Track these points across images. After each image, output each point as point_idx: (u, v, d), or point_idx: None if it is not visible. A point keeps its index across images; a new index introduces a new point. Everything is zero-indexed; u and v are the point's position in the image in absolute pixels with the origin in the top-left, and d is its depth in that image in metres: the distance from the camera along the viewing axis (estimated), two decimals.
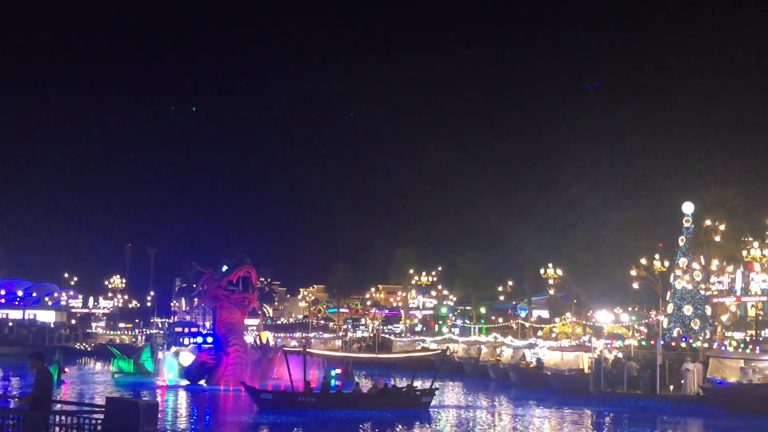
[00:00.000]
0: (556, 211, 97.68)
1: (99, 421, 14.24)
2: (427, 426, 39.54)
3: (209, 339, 60.42)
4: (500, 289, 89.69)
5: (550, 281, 74.52)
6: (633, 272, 60.81)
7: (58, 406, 17.82)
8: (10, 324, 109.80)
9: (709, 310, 53.57)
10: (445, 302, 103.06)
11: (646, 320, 60.72)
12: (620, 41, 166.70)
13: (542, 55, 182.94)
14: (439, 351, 51.88)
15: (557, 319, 74.91)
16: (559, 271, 73.22)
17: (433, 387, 44.60)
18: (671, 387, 45.03)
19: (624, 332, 59.11)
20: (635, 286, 62.92)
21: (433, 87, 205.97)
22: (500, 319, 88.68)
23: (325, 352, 49.05)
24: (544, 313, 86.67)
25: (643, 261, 58.61)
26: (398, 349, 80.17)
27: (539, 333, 72.11)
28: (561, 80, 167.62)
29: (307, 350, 44.26)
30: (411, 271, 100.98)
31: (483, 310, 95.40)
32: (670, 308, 51.96)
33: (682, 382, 44.67)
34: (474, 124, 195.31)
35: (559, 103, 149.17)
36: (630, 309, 66.42)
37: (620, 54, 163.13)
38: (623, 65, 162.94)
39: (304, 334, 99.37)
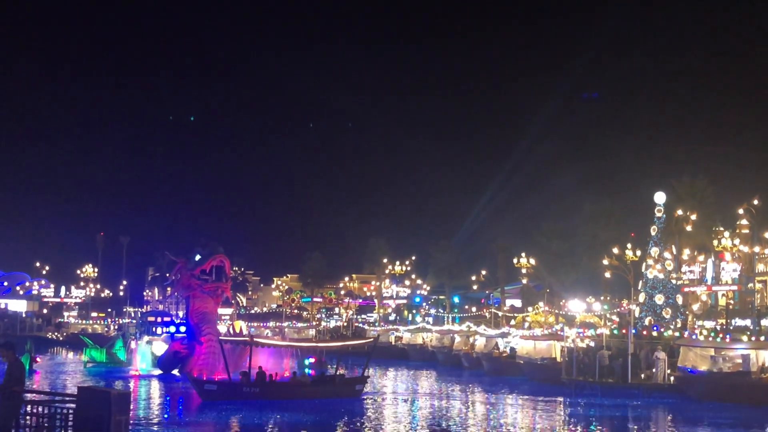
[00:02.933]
0: (528, 201, 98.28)
1: (71, 411, 14.17)
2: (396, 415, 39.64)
3: (182, 328, 60.22)
4: (473, 278, 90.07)
5: (523, 270, 74.79)
6: (605, 261, 61.17)
7: (30, 395, 17.70)
8: None
9: (680, 299, 54.05)
10: (418, 291, 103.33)
11: (618, 309, 61.07)
12: (594, 31, 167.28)
13: (517, 47, 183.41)
14: (372, 339, 52.88)
15: (530, 308, 75.28)
16: (532, 261, 73.52)
17: (364, 375, 45.32)
18: (642, 376, 45.39)
19: (596, 321, 59.39)
20: (607, 275, 63.31)
21: (408, 77, 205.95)
22: (473, 309, 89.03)
23: (272, 341, 48.90)
24: (517, 303, 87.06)
25: (615, 250, 58.98)
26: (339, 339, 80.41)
27: (512, 322, 72.44)
28: (536, 73, 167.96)
29: (254, 340, 44.26)
30: (384, 261, 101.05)
31: (456, 299, 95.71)
32: (641, 297, 52.33)
33: (654, 370, 45.04)
34: (448, 115, 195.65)
35: (532, 95, 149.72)
36: (602, 298, 66.80)
37: (594, 45, 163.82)
38: (598, 57, 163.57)
39: (277, 324, 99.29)
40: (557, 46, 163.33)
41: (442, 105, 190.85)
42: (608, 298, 67.81)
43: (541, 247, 76.51)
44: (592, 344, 49.69)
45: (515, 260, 74.54)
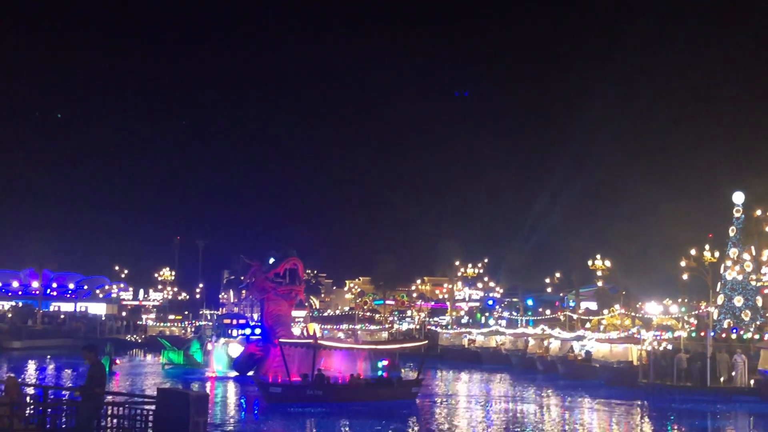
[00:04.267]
0: (603, 201, 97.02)
1: (150, 412, 14.44)
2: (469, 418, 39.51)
3: (257, 331, 60.85)
4: (547, 280, 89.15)
5: (598, 272, 73.90)
6: (682, 263, 60.02)
7: (111, 397, 18.08)
8: (62, 316, 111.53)
9: (760, 301, 52.80)
10: (491, 294, 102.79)
11: (696, 311, 59.99)
12: (679, 28, 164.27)
13: (589, 48, 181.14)
14: (425, 343, 53.38)
15: (605, 311, 74.29)
16: (607, 263, 72.56)
17: (419, 377, 45.47)
18: (722, 379, 44.51)
19: (673, 324, 58.51)
20: (684, 277, 62.15)
21: (474, 79, 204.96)
22: (547, 311, 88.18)
23: (335, 344, 49.27)
24: (592, 305, 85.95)
25: (693, 251, 57.85)
26: (393, 341, 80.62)
27: (587, 325, 71.58)
28: (610, 74, 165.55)
29: (318, 342, 44.59)
30: (457, 263, 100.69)
31: (530, 302, 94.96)
32: (720, 299, 51.32)
33: (733, 374, 44.12)
34: (521, 117, 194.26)
35: (606, 95, 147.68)
36: (679, 300, 65.68)
37: (673, 48, 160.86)
38: (670, 58, 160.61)
39: (350, 326, 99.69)
40: (638, 51, 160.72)
41: (512, 106, 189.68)
42: (686, 300, 66.63)
43: (617, 249, 75.50)
44: (669, 347, 48.86)
45: (590, 262, 73.64)
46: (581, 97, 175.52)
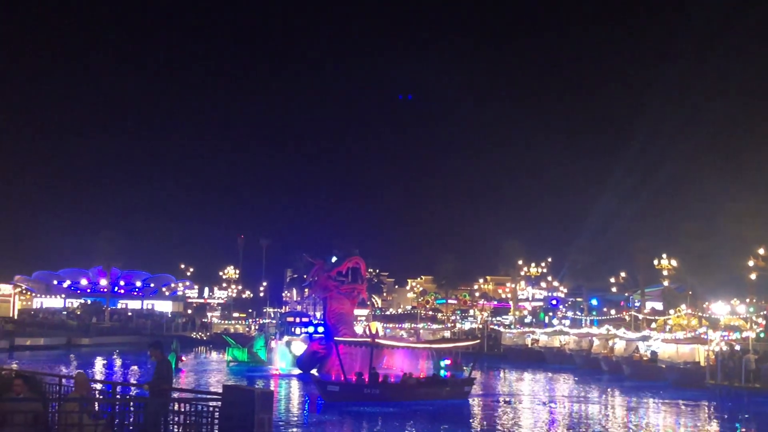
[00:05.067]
0: (669, 199, 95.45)
1: (216, 409, 14.59)
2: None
3: (320, 329, 61.22)
4: (612, 280, 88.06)
5: (664, 272, 72.84)
6: (750, 262, 58.93)
7: (177, 393, 18.33)
8: (130, 314, 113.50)
9: None
10: (554, 293, 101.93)
11: (765, 312, 58.80)
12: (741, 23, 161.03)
13: (656, 38, 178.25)
14: (476, 342, 54.34)
15: (671, 311, 73.20)
16: (674, 262, 71.48)
17: (471, 377, 45.38)
18: None
19: (741, 324, 57.38)
20: (753, 276, 61.01)
21: (537, 76, 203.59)
22: (612, 311, 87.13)
23: (391, 342, 49.35)
24: (658, 305, 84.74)
25: (761, 251, 56.71)
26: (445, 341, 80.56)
27: (653, 325, 70.61)
28: (675, 64, 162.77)
29: (376, 341, 44.66)
30: (520, 262, 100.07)
31: (594, 301, 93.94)
32: None
33: None
34: (584, 113, 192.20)
35: (671, 88, 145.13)
36: (747, 300, 64.43)
37: (732, 39, 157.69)
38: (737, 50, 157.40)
39: (412, 325, 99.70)
40: (698, 38, 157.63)
41: (577, 100, 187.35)
42: (754, 300, 65.32)
43: (683, 248, 74.29)
44: (737, 348, 48.01)
45: (656, 261, 72.64)
46: (646, 94, 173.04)
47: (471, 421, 38.18)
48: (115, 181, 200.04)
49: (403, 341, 55.57)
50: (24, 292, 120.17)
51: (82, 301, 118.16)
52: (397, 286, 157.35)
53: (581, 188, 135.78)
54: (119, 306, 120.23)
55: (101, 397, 18.00)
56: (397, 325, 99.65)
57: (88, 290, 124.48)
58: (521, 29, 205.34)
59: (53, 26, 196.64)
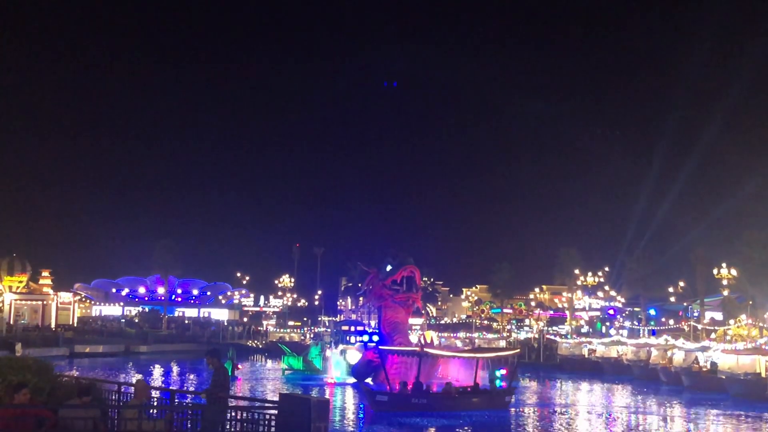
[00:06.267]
0: (729, 207, 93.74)
1: (272, 417, 14.62)
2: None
3: (375, 338, 61.18)
4: (670, 290, 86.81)
5: (724, 282, 71.62)
6: None
7: (234, 401, 18.43)
8: (186, 321, 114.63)
9: None
10: (612, 303, 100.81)
11: None
12: None
13: (707, 29, 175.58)
14: (517, 351, 53.18)
15: (732, 321, 71.94)
16: (734, 271, 70.25)
17: (512, 386, 45.38)
18: None
19: None
20: None
21: (593, 78, 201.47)
22: (671, 321, 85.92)
23: (439, 351, 49.15)
24: (718, 315, 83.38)
25: None
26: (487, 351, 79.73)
27: (712, 335, 69.46)
28: (723, 59, 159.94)
29: (425, 350, 44.51)
30: (576, 271, 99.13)
31: (652, 311, 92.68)
32: None
33: None
34: (643, 121, 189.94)
35: (723, 82, 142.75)
36: None
37: None
38: None
39: (467, 334, 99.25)
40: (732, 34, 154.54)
41: (625, 111, 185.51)
42: None
43: (743, 257, 72.96)
44: None
45: (715, 271, 71.48)
46: (697, 81, 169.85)
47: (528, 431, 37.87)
48: (174, 191, 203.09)
49: (452, 350, 55.30)
50: (83, 300, 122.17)
51: (140, 309, 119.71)
52: (451, 295, 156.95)
53: (640, 196, 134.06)
54: (176, 314, 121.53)
55: (159, 404, 18.15)
56: (452, 335, 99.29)
57: (146, 298, 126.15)
58: (574, 27, 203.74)
59: (123, 39, 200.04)
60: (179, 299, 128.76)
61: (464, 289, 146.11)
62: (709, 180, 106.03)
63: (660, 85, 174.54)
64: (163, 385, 49.75)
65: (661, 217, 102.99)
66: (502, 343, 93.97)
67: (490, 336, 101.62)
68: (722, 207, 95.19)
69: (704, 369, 58.18)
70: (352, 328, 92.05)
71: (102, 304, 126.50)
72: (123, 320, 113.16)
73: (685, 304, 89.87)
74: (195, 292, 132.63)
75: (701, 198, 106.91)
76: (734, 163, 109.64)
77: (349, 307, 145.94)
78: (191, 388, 47.23)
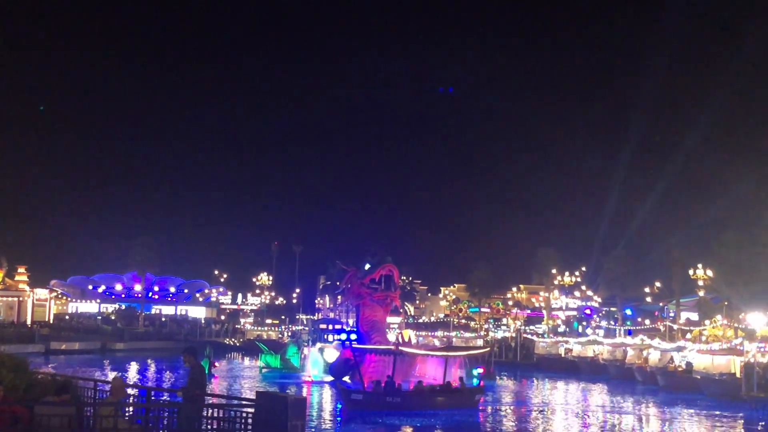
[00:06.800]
0: (705, 209, 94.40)
1: (249, 415, 14.65)
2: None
3: (353, 336, 61.19)
4: (647, 290, 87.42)
5: (700, 282, 72.18)
6: None
7: (210, 399, 18.40)
8: (163, 319, 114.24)
9: None
10: (589, 303, 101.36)
11: None
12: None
13: (681, 37, 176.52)
14: (487, 350, 55.16)
15: (707, 322, 72.49)
16: (710, 272, 70.79)
17: (481, 385, 46.07)
18: None
19: None
20: None
21: (568, 79, 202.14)
22: (647, 321, 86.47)
23: (414, 350, 49.38)
24: (693, 316, 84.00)
25: None
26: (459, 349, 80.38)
27: (688, 335, 69.97)
28: (706, 64, 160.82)
29: (400, 349, 44.79)
30: (554, 271, 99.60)
31: (629, 311, 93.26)
32: None
33: None
34: (615, 119, 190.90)
35: (703, 87, 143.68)
36: None
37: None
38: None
39: (445, 333, 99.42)
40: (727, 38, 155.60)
41: (609, 112, 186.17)
42: None
43: (719, 258, 73.47)
44: None
45: (691, 271, 72.01)
46: (675, 86, 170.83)
47: (504, 430, 38.04)
48: (151, 188, 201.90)
49: (427, 349, 55.34)
50: (60, 296, 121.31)
51: (117, 306, 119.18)
52: (430, 294, 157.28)
53: (617, 197, 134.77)
54: (153, 311, 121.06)
55: (135, 402, 18.12)
56: (429, 333, 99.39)
57: (123, 295, 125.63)
58: (557, 30, 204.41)
59: (93, 33, 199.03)
60: (156, 296, 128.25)
61: (442, 288, 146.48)
62: (686, 182, 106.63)
63: (640, 86, 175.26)
64: (139, 383, 49.61)
65: (638, 218, 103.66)
66: (480, 342, 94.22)
67: (468, 335, 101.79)
68: (699, 208, 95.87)
69: (679, 369, 58.59)
70: (330, 327, 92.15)
71: (78, 301, 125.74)
72: (99, 317, 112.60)
73: (661, 304, 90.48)
74: (172, 289, 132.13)
75: (678, 199, 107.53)
76: (712, 166, 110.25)
77: (328, 306, 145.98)
78: (168, 386, 47.08)
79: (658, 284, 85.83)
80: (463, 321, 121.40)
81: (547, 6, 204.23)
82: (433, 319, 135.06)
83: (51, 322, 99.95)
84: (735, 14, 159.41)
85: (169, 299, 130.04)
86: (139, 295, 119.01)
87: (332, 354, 60.57)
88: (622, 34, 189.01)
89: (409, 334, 67.94)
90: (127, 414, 16.06)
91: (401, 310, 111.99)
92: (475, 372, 48.89)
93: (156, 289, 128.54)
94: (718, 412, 43.56)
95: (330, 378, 56.46)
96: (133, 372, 64.67)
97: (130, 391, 18.41)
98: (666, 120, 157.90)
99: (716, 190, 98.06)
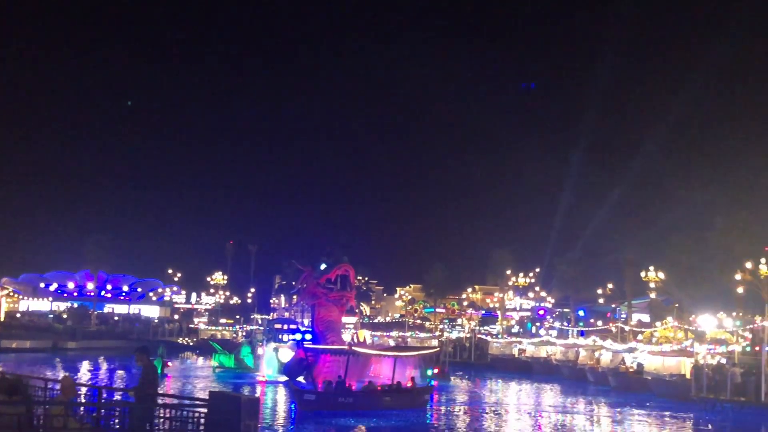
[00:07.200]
0: (657, 212, 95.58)
1: (202, 415, 14.62)
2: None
3: (308, 336, 61.10)
4: (599, 291, 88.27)
5: (651, 284, 73.00)
6: (738, 276, 59.09)
7: (163, 399, 18.32)
8: (116, 318, 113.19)
9: None
10: (542, 304, 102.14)
11: (751, 326, 58.99)
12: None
13: (640, 44, 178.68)
14: (437, 349, 56.67)
15: (658, 323, 73.41)
16: (661, 274, 71.68)
17: (429, 386, 46.43)
18: None
19: (728, 338, 57.58)
20: (740, 290, 61.15)
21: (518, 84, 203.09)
22: (599, 322, 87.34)
23: (367, 350, 49.60)
24: (645, 317, 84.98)
25: (749, 265, 56.89)
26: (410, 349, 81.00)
27: (639, 337, 70.81)
28: (667, 74, 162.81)
29: (353, 349, 45.05)
30: (508, 272, 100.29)
31: (581, 312, 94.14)
32: None
33: None
34: (572, 125, 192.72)
35: (656, 100, 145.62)
36: (734, 314, 64.63)
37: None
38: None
39: (400, 334, 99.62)
40: (693, 45, 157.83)
41: (564, 114, 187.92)
42: (740, 314, 65.48)
43: (671, 261, 74.36)
44: (723, 361, 48.16)
45: (643, 274, 72.81)
46: (636, 107, 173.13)
47: (456, 429, 38.25)
48: (104, 185, 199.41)
49: (379, 349, 55.45)
50: (10, 294, 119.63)
51: (69, 304, 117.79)
52: (385, 294, 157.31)
53: (571, 200, 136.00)
54: (106, 310, 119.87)
55: (86, 401, 17.98)
56: (385, 334, 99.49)
57: (75, 294, 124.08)
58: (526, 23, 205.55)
59: (43, 24, 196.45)
60: (109, 295, 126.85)
61: (398, 289, 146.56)
62: (640, 185, 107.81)
63: (595, 88, 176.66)
64: (90, 382, 49.11)
65: (591, 220, 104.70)
66: (435, 342, 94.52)
67: (423, 335, 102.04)
68: (652, 212, 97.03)
69: (631, 370, 59.28)
70: (285, 326, 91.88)
71: (30, 298, 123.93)
72: (51, 316, 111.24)
73: (613, 305, 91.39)
74: (125, 288, 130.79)
75: (632, 202, 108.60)
76: (666, 170, 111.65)
77: (283, 306, 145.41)
78: (120, 386, 46.69)
79: (610, 286, 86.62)
80: (419, 321, 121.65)
81: (497, 2, 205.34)
82: (388, 319, 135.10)
83: (2, 320, 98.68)
84: (691, 18, 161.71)
85: (122, 298, 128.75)
86: (92, 294, 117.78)
87: (287, 354, 60.43)
88: (577, 35, 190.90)
89: (365, 334, 68.06)
90: (78, 414, 15.93)
91: (357, 310, 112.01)
92: (429, 372, 49.06)
93: (109, 287, 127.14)
94: (668, 413, 44.17)
95: (284, 378, 56.34)
96: (84, 371, 64.01)
97: (81, 390, 18.28)
98: (620, 123, 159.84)
99: (669, 194, 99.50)
